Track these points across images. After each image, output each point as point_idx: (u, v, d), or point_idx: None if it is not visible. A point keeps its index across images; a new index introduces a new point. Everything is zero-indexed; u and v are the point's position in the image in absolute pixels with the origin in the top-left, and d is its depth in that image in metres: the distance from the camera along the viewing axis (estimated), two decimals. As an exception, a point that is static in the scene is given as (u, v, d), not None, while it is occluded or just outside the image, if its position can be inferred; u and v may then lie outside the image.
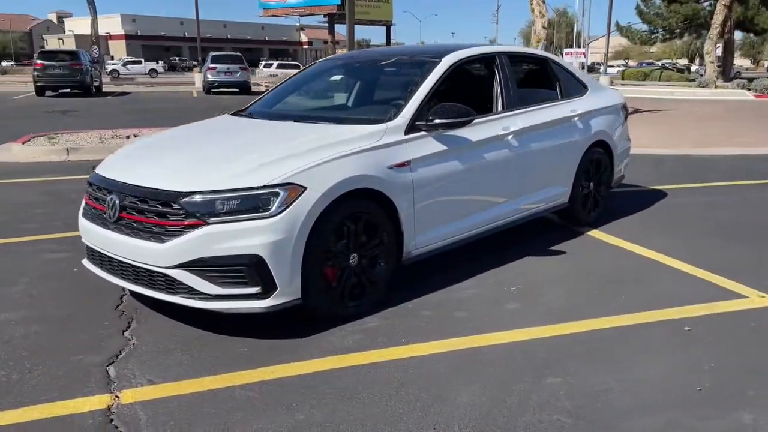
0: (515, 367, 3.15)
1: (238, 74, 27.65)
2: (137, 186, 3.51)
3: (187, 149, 4.02)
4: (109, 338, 3.48)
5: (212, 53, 29.04)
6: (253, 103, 5.12)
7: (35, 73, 24.61)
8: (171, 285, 3.37)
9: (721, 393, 2.91)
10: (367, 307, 3.78)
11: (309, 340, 3.45)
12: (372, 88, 5.10)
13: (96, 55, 28.51)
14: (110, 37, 77.76)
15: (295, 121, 4.35)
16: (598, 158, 5.70)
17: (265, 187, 3.32)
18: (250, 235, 3.26)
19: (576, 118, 5.34)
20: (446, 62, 4.50)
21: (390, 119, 4.02)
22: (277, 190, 3.33)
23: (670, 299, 4.02)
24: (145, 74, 53.26)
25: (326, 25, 69.18)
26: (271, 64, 55.51)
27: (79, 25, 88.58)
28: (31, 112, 18.52)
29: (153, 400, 2.86)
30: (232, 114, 4.89)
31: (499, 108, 4.78)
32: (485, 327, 3.62)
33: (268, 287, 3.31)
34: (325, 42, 70.23)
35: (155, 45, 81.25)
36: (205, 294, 3.32)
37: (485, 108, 4.81)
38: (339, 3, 66.20)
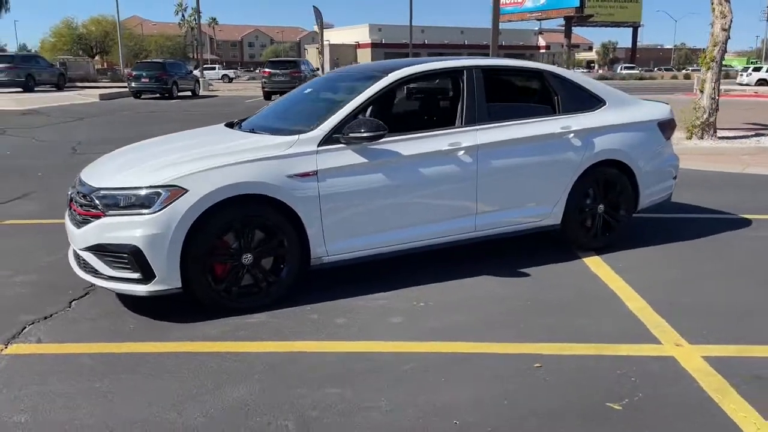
0: (310, 375, 3.28)
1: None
2: (81, 181, 4.27)
3: (136, 153, 4.70)
4: (56, 304, 4.27)
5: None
6: (252, 115, 5.66)
7: (263, 80, 28.06)
8: (85, 265, 4.06)
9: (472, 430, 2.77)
10: (261, 304, 4.12)
11: (187, 326, 3.91)
12: (324, 102, 5.28)
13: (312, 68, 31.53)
14: (359, 45, 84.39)
15: (251, 131, 4.78)
16: (610, 179, 5.25)
17: (150, 187, 3.86)
18: (132, 228, 3.81)
19: (571, 135, 5.01)
20: (388, 79, 4.61)
21: (307, 131, 4.29)
22: (159, 190, 3.84)
23: (578, 335, 3.72)
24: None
25: (563, 28, 67.75)
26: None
27: (335, 35, 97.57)
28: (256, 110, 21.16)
29: (25, 354, 3.56)
30: (226, 124, 5.49)
31: (461, 123, 4.73)
32: (343, 335, 3.75)
33: (147, 274, 3.84)
34: (563, 45, 68.72)
35: (397, 52, 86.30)
36: (104, 275, 3.96)
37: (445, 122, 4.80)
38: (577, 5, 64.58)
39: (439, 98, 5.11)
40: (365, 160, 4.31)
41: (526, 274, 4.78)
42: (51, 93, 29.15)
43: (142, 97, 28.59)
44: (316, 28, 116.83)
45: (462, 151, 4.61)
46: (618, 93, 5.61)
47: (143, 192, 3.86)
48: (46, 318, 4.04)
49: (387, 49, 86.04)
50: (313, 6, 30.24)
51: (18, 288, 4.60)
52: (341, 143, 4.27)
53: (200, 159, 4.07)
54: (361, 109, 4.45)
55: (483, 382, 3.20)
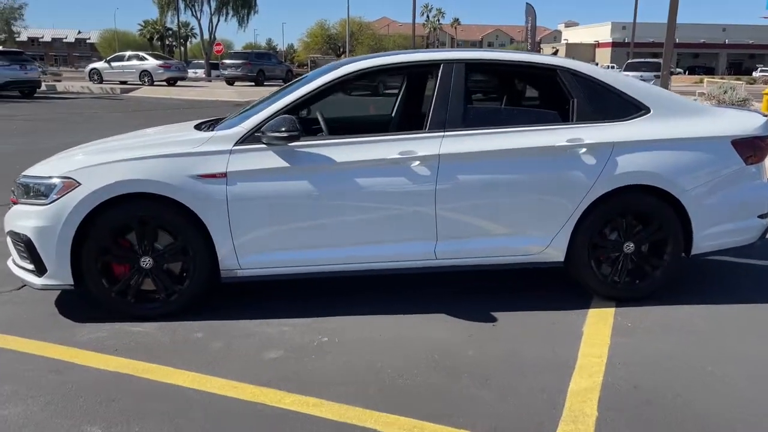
0: (100, 403, 2.86)
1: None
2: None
3: (83, 146, 4.55)
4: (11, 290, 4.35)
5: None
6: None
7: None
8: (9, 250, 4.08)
9: None
10: (160, 313, 3.79)
11: (73, 326, 3.73)
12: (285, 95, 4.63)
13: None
14: (598, 44, 79.75)
15: (210, 127, 4.40)
16: (643, 210, 3.99)
17: (49, 177, 3.72)
18: (27, 218, 3.72)
19: (582, 150, 3.87)
20: (334, 74, 3.95)
21: (228, 129, 3.84)
22: (55, 181, 3.68)
23: (463, 412, 2.82)
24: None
25: None
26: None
27: (576, 34, 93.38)
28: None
29: None
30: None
31: (425, 128, 3.90)
32: (197, 363, 3.27)
33: (40, 267, 3.72)
34: None
35: (642, 51, 79.80)
36: (15, 263, 3.93)
37: (409, 127, 4.00)
38: None
39: (408, 99, 4.29)
40: (287, 165, 3.73)
41: (492, 319, 3.81)
42: (276, 86, 31.87)
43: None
44: (559, 27, 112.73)
45: (416, 162, 3.79)
46: (676, 99, 4.25)
47: (45, 182, 3.74)
48: (-16, 298, 4.14)
49: (630, 48, 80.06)
50: (527, 2, 28.84)
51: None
52: (263, 143, 3.75)
53: (105, 152, 3.85)
54: (294, 106, 3.87)
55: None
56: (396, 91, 5.07)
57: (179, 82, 30.09)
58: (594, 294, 4.10)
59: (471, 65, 4.03)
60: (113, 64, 30.24)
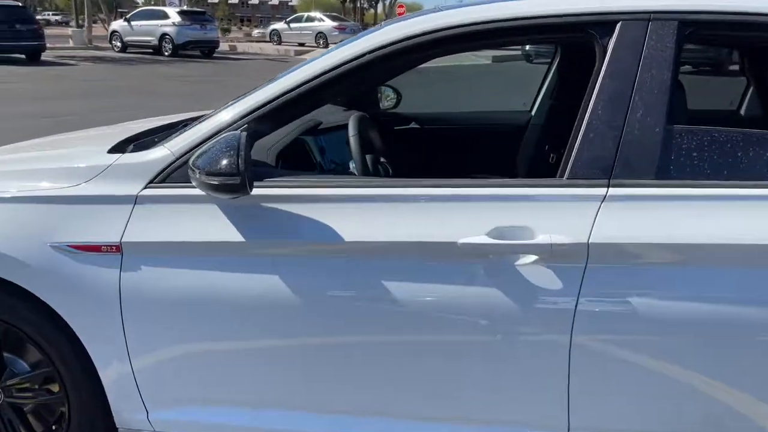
0: None
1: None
2: None
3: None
4: None
5: None
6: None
7: None
8: None
9: None
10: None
11: None
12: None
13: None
14: None
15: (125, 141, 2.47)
16: None
17: None
18: None
19: None
20: (360, 44, 1.82)
21: (143, 150, 1.90)
22: None
23: None
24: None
25: None
26: None
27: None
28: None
29: None
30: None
31: (564, 171, 1.66)
32: None
33: None
34: None
35: None
36: None
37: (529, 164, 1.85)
38: None
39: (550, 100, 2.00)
40: (239, 239, 1.72)
41: None
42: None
43: None
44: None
45: (528, 256, 1.59)
46: None
47: None
48: None
49: None
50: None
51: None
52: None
53: None
54: (272, 109, 1.80)
55: None
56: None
57: (355, 46, 29.04)
58: None
59: (691, 24, 1.66)
60: (292, 25, 29.95)
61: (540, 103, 3.09)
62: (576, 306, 1.58)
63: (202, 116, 2.01)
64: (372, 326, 1.70)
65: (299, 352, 1.76)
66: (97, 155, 1.94)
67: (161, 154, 1.83)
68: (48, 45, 19.32)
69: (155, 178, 1.80)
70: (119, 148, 2.03)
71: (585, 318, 1.58)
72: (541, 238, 1.58)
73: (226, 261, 1.74)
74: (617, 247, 1.56)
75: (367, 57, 1.77)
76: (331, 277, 1.70)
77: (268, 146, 2.00)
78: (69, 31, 26.97)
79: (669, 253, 1.57)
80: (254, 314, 1.73)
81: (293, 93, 1.79)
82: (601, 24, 1.68)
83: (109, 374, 1.85)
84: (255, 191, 1.69)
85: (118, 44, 23.33)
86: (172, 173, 1.79)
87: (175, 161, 1.80)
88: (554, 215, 1.61)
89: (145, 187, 1.80)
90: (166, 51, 22.18)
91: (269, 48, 28.38)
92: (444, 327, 1.65)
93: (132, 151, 1.95)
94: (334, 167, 2.44)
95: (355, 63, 1.77)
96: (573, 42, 2.42)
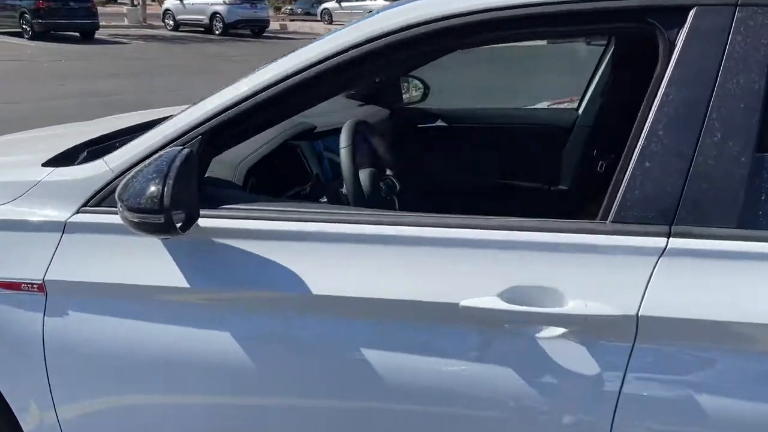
0: None
1: None
2: None
3: None
4: None
5: None
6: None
7: None
8: None
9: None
10: None
11: None
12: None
13: None
14: None
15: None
16: None
17: None
18: None
19: None
20: (355, 30, 1.40)
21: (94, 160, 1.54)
22: None
23: None
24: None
25: None
26: None
27: None
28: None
29: None
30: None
31: (608, 212, 1.22)
32: None
33: None
34: None
35: None
36: None
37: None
38: None
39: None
40: (184, 285, 1.34)
41: None
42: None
43: None
44: None
45: (556, 329, 1.16)
46: None
47: None
48: None
49: None
50: None
51: None
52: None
53: None
54: (232, 118, 1.40)
55: None
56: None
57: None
58: None
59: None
60: (343, 4, 29.47)
61: (589, 100, 2.61)
62: (618, 399, 1.15)
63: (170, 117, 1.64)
64: (335, 401, 1.31)
65: (239, 415, 1.39)
66: (29, 168, 1.59)
67: (99, 170, 1.47)
68: (102, 23, 19.46)
69: (89, 200, 1.45)
70: (65, 157, 1.69)
71: (629, 416, 1.15)
72: (572, 306, 1.15)
73: (165, 308, 1.37)
74: (678, 323, 1.13)
75: (366, 47, 1.35)
76: (285, 336, 1.32)
77: (237, 161, 1.62)
78: (124, 9, 27.21)
79: (751, 336, 1.13)
80: (192, 372, 1.37)
81: (265, 94, 1.39)
82: (666, 10, 1.22)
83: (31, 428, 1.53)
84: (206, 222, 1.32)
85: (171, 23, 23.37)
86: (109, 196, 1.43)
87: (114, 180, 1.44)
88: (592, 273, 1.18)
89: (77, 212, 1.44)
90: (217, 30, 22.10)
91: (320, 27, 28.04)
92: (438, 419, 1.25)
93: (79, 163, 1.61)
94: (334, 177, 2.05)
95: (350, 54, 1.36)
96: (629, 33, 1.95)
